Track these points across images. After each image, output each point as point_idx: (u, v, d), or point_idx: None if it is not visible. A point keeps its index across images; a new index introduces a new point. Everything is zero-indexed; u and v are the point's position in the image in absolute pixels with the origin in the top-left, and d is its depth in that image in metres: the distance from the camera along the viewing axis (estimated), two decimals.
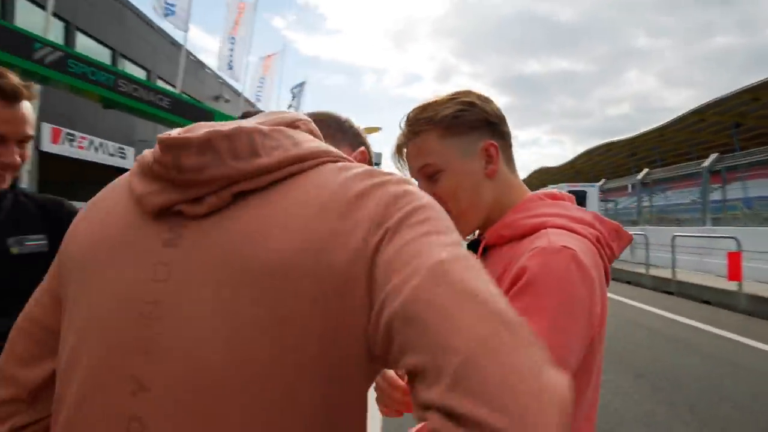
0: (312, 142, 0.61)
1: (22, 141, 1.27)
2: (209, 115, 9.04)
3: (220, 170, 0.54)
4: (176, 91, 17.20)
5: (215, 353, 0.49)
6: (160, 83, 18.28)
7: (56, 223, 1.36)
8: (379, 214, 0.52)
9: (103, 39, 15.20)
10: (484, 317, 0.44)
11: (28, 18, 12.03)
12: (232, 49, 20.28)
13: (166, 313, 0.51)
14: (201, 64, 22.48)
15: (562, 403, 0.41)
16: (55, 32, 12.54)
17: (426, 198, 0.57)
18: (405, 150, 1.03)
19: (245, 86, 22.65)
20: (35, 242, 1.33)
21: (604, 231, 0.96)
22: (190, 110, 8.59)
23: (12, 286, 1.17)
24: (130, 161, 16.18)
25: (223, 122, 0.60)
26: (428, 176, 1.00)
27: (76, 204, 1.48)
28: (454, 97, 1.00)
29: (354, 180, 0.56)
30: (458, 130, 0.98)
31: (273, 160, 0.55)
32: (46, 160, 12.65)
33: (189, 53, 19.62)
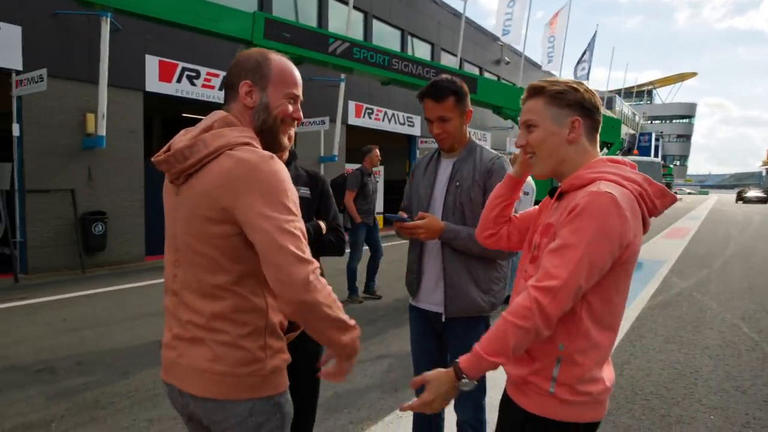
0: (220, 140, 1.30)
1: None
2: (472, 81, 9.51)
3: (177, 168, 1.32)
4: (456, 59, 18.38)
5: (186, 234, 1.33)
6: (444, 55, 19.74)
7: (314, 183, 2.33)
8: (230, 182, 1.25)
9: (394, 22, 17.25)
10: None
11: (336, 13, 14.64)
12: (510, 12, 20.32)
13: (177, 219, 1.37)
14: (481, 30, 23.17)
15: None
16: (355, 22, 14.93)
17: (252, 169, 1.24)
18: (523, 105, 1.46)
19: (524, 47, 22.46)
20: (304, 191, 2.26)
21: (649, 190, 1.34)
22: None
23: None
24: (416, 128, 18.18)
25: (179, 140, 1.35)
26: (527, 127, 1.43)
27: None
28: (567, 82, 1.41)
29: (229, 163, 1.26)
30: (558, 103, 1.39)
31: (195, 160, 1.30)
32: (351, 131, 15.40)
33: (469, 22, 20.50)
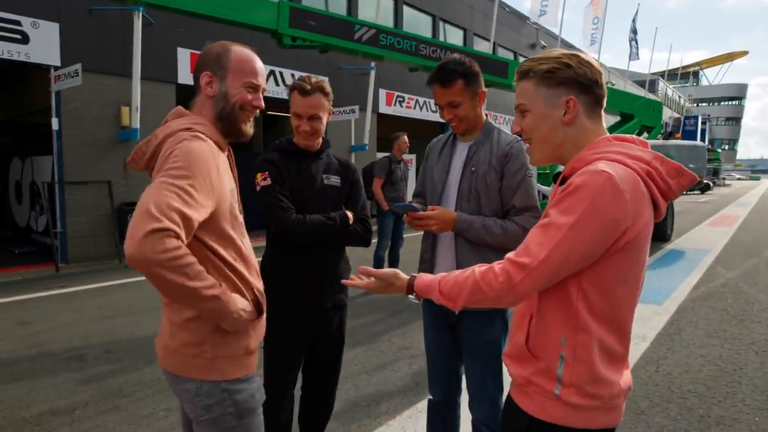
0: (166, 130, 1.40)
1: (312, 118, 2.16)
2: (502, 66, 9.24)
3: (141, 164, 1.45)
4: (490, 44, 17.95)
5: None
6: (477, 40, 19.31)
7: (345, 172, 2.33)
8: (159, 169, 1.33)
9: (424, 8, 16.95)
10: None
11: (366, 1, 14.47)
12: None
13: None
14: (515, 14, 22.54)
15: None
16: (385, 10, 14.73)
17: (174, 155, 1.31)
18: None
19: (560, 30, 21.73)
20: (335, 180, 2.29)
21: (661, 168, 1.20)
22: (484, 63, 9.01)
23: (323, 200, 2.23)
24: None
25: (145, 139, 1.44)
26: (520, 112, 1.33)
27: None
28: (558, 57, 1.28)
29: (165, 146, 1.37)
30: (548, 83, 1.27)
31: (150, 153, 1.42)
32: (382, 119, 15.27)
33: (502, 5, 19.96)
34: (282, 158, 2.23)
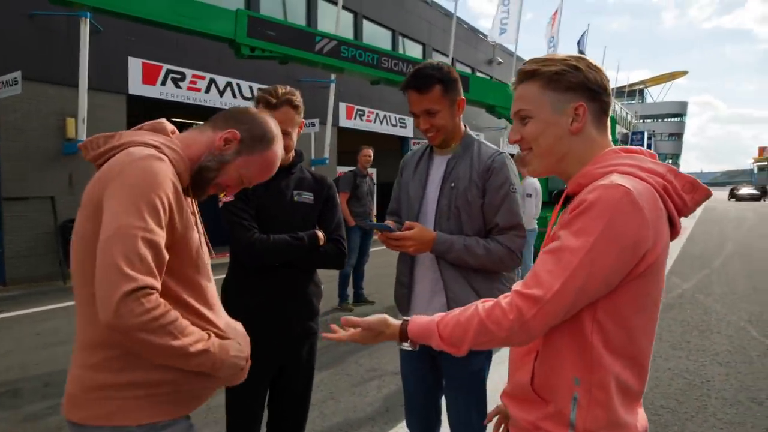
0: (131, 138, 1.23)
1: (285, 134, 1.89)
2: (464, 80, 9.27)
3: (90, 154, 1.24)
4: (448, 59, 18.17)
5: (80, 225, 1.20)
6: (435, 55, 19.52)
7: (319, 188, 2.14)
8: (104, 175, 1.17)
9: (385, 23, 17.01)
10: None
11: (325, 14, 14.38)
12: (506, 11, 20.15)
13: None
14: (473, 30, 22.98)
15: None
16: (345, 23, 14.67)
17: (128, 174, 1.14)
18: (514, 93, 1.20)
19: (516, 47, 22.28)
20: (307, 196, 2.09)
21: (676, 183, 1.07)
22: None
23: (293, 218, 2.03)
24: (409, 130, 17.93)
25: (108, 134, 1.25)
26: (520, 119, 1.18)
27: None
28: (565, 59, 1.14)
29: (115, 158, 1.18)
30: (556, 86, 1.13)
31: (104, 149, 1.22)
32: (342, 133, 15.12)
33: (461, 22, 20.31)
34: None
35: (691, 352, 4.73)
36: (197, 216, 1.38)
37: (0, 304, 6.73)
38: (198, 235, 1.31)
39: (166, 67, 10.20)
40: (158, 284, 1.08)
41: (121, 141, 1.21)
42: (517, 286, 1.06)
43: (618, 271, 1.00)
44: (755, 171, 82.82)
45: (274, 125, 1.37)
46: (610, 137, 1.19)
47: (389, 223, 1.96)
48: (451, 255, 1.84)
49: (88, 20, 7.92)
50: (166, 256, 1.13)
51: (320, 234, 2.06)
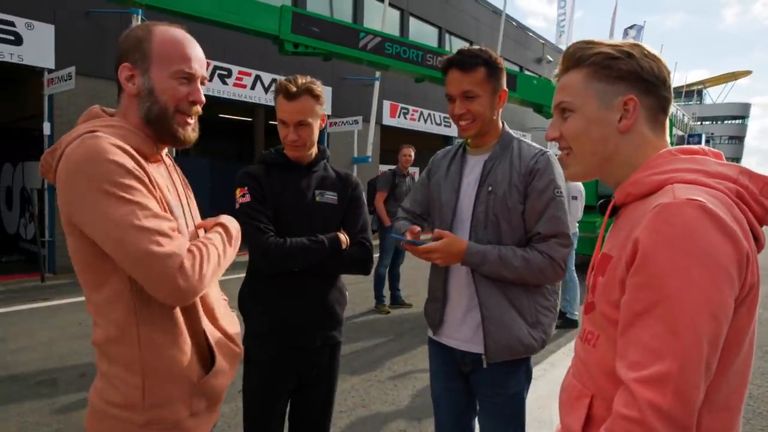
0: (69, 136, 1.11)
1: (298, 125, 1.83)
2: (511, 78, 8.96)
3: (52, 177, 1.12)
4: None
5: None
6: None
7: (343, 187, 1.98)
8: (60, 185, 1.07)
9: (431, 20, 16.77)
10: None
11: (372, 11, 14.29)
12: (563, 12, 19.58)
13: None
14: (522, 28, 22.38)
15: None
16: (391, 20, 14.54)
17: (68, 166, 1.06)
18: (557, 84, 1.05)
19: (567, 45, 21.54)
20: (330, 196, 1.94)
21: (752, 186, 0.88)
22: None
23: (314, 220, 1.87)
24: (454, 129, 17.63)
25: (50, 148, 1.14)
26: (561, 112, 1.03)
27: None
28: (617, 45, 0.98)
29: (63, 159, 1.07)
30: (604, 76, 0.97)
31: (55, 165, 1.11)
32: (385, 131, 15.01)
33: (509, 19, 19.82)
34: (267, 171, 1.91)
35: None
36: (189, 203, 1.29)
37: (47, 292, 6.96)
38: (186, 225, 1.21)
39: (213, 63, 10.34)
40: (181, 237, 1.10)
41: (63, 146, 1.11)
42: (626, 372, 0.82)
43: (732, 302, 0.80)
44: None
45: (141, 24, 1.24)
46: (668, 139, 1.00)
47: (413, 228, 1.76)
48: (485, 267, 1.65)
49: (140, 17, 8.11)
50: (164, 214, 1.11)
51: (343, 236, 1.90)
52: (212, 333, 1.22)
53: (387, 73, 9.18)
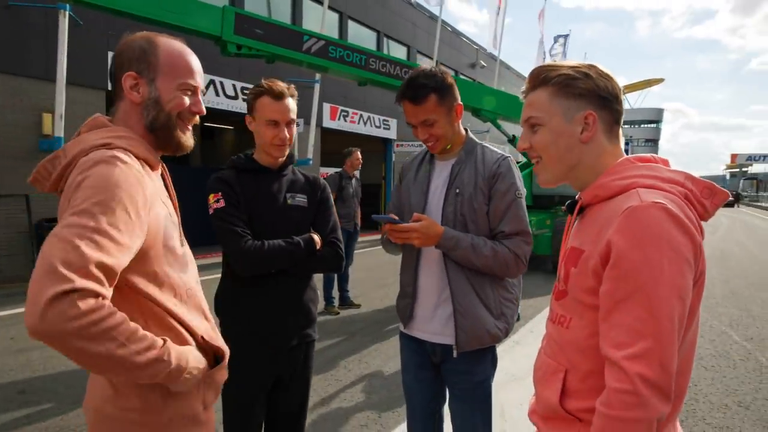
0: (77, 147, 1.12)
1: (288, 124, 1.92)
2: None
3: (47, 186, 1.15)
4: (432, 61, 18.19)
5: None
6: (420, 57, 19.53)
7: (312, 189, 2.05)
8: (68, 199, 1.04)
9: (370, 24, 16.96)
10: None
11: (310, 13, 14.27)
12: (496, 19, 20.33)
13: None
14: (457, 33, 23.07)
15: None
16: (330, 23, 14.57)
17: (87, 185, 1.03)
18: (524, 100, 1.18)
19: (499, 51, 22.43)
20: (301, 199, 2.00)
21: (695, 189, 1.05)
22: None
23: (287, 222, 1.95)
24: (393, 131, 17.91)
25: (51, 156, 1.14)
26: (530, 126, 1.16)
27: None
28: (576, 67, 1.13)
29: (74, 172, 1.07)
30: (566, 94, 1.11)
31: (57, 174, 1.12)
32: (326, 134, 15.02)
33: (445, 24, 20.37)
34: (239, 177, 1.95)
35: None
36: (174, 206, 1.29)
37: None
38: (174, 228, 1.22)
39: None
40: (104, 290, 0.94)
41: (69, 156, 1.11)
42: (613, 351, 0.95)
43: (691, 285, 0.97)
44: (727, 177, 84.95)
45: (141, 34, 1.25)
46: (622, 147, 1.17)
47: (392, 215, 1.88)
48: (458, 252, 1.78)
49: (67, 13, 7.67)
50: (123, 261, 1.00)
51: (317, 237, 1.99)
52: (206, 330, 1.26)
53: (327, 75, 9.22)
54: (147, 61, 1.20)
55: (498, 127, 10.06)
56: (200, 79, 1.27)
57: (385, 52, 17.61)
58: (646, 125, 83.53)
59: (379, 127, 17.35)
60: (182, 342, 1.15)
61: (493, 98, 9.73)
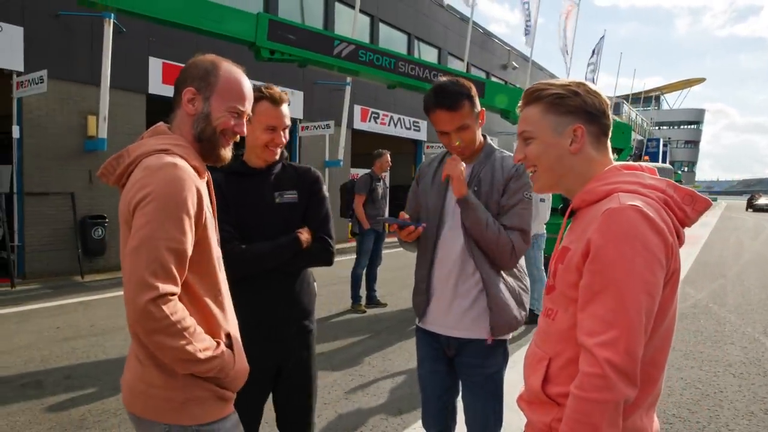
0: (140, 149, 1.30)
1: (284, 129, 1.97)
2: (480, 85, 9.29)
3: (111, 179, 1.34)
4: (464, 63, 18.19)
5: (123, 238, 1.27)
6: (451, 59, 19.54)
7: (302, 183, 2.05)
8: (133, 196, 1.22)
9: (400, 26, 17.07)
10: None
11: (342, 17, 14.48)
12: (528, 15, 20.18)
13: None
14: (488, 35, 22.96)
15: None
16: (361, 26, 14.76)
17: (151, 190, 1.21)
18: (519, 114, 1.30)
19: (532, 52, 22.22)
20: (290, 195, 2.02)
21: (676, 196, 1.14)
22: None
23: (275, 222, 1.95)
24: (423, 133, 17.97)
25: (116, 155, 1.33)
26: (524, 139, 1.27)
27: None
28: (566, 85, 1.24)
29: (138, 171, 1.25)
30: (556, 110, 1.22)
31: (121, 170, 1.31)
32: (356, 135, 15.21)
33: (476, 26, 20.32)
34: (226, 180, 1.98)
35: (703, 363, 4.72)
36: (213, 211, 1.43)
37: (18, 297, 6.89)
38: (214, 232, 1.39)
39: None
40: (178, 288, 1.20)
41: (132, 157, 1.29)
42: (586, 338, 1.06)
43: (662, 284, 1.06)
44: None
45: (208, 57, 1.40)
46: (610, 156, 1.27)
47: (402, 215, 1.98)
48: (477, 213, 1.87)
49: (111, 21, 8.07)
50: (188, 257, 1.23)
51: (302, 236, 1.98)
52: (234, 325, 1.42)
53: (358, 78, 9.39)
54: (207, 81, 1.36)
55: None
56: (249, 105, 1.42)
57: (416, 54, 17.71)
58: (685, 126, 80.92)
59: (409, 128, 17.45)
60: (213, 331, 1.32)
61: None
